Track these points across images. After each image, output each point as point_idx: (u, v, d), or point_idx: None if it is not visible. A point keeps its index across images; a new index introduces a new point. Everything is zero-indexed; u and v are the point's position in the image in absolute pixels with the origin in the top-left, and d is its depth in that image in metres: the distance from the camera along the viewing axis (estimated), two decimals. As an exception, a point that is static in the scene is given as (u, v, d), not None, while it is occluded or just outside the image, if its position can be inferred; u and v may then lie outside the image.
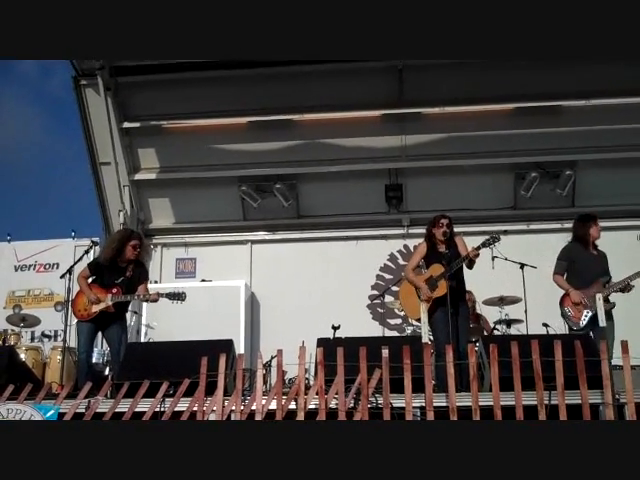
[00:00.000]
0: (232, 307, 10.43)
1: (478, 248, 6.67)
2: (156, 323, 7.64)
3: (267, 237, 11.68)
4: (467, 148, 10.83)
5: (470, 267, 6.80)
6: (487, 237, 6.76)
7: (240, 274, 11.15)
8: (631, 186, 10.71)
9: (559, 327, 7.93)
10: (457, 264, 6.69)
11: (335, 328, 8.79)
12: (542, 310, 9.39)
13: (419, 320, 6.88)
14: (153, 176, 11.22)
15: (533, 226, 11.32)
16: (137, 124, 10.87)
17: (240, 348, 9.26)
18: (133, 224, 11.06)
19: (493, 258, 8.17)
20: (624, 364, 4.94)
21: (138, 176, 11.25)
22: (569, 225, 10.20)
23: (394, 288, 9.47)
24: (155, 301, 7.19)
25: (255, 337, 10.97)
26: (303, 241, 11.55)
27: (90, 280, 7.24)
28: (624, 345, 4.96)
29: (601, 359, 5.06)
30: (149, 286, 7.53)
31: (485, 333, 8.87)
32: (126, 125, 10.84)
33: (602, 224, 10.04)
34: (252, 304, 11.17)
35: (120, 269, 7.26)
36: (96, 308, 7.05)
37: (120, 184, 10.88)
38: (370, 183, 11.21)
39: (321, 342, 5.87)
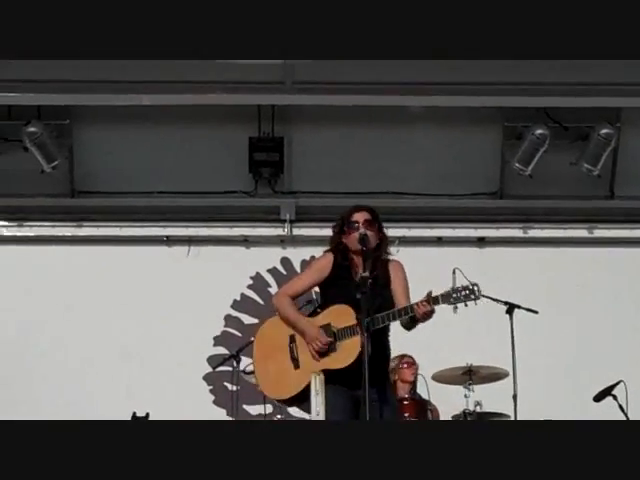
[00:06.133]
0: None
1: (434, 300, 6.48)
2: None
3: (7, 232, 11.58)
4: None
5: (409, 327, 6.80)
6: (457, 287, 6.47)
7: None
8: None
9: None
10: (385, 319, 6.57)
11: (139, 419, 9.01)
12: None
13: (292, 403, 7.06)
14: None
15: (534, 232, 11.37)
16: None
17: None
18: None
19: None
20: None
21: None
22: (605, 232, 11.40)
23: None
24: None
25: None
26: (80, 242, 11.46)
27: None
28: None
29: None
30: None
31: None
32: None
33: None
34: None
35: None
36: None
37: None
38: (220, 134, 11.17)
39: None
